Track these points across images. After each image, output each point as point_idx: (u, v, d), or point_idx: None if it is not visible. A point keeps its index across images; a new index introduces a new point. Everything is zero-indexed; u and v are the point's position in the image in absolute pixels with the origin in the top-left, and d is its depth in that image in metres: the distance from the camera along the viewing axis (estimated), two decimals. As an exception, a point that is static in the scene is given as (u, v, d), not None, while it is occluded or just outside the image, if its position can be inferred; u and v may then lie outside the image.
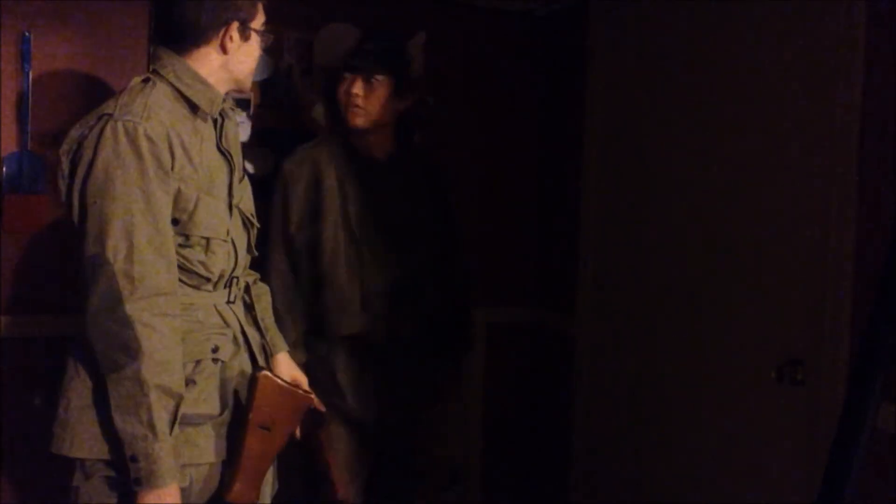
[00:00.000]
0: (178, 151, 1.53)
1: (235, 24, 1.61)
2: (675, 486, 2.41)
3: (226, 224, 1.64)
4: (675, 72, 2.46)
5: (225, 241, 1.63)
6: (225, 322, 1.65)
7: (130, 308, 1.44)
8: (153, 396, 1.43)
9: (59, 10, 2.24)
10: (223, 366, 1.62)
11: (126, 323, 1.43)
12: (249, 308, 1.79)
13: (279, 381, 1.66)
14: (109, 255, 1.44)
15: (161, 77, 1.59)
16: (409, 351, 2.21)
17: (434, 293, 2.27)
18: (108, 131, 1.46)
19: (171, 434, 1.46)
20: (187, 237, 1.56)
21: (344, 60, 2.22)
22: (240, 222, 1.73)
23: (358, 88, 2.15)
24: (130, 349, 1.43)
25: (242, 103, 2.50)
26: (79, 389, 1.52)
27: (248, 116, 2.53)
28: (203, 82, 1.61)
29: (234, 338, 1.67)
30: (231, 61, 1.64)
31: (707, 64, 2.34)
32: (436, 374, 2.28)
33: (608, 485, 2.71)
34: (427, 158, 2.41)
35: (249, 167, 2.55)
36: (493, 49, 2.93)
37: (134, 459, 1.44)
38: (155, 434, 1.43)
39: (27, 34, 2.20)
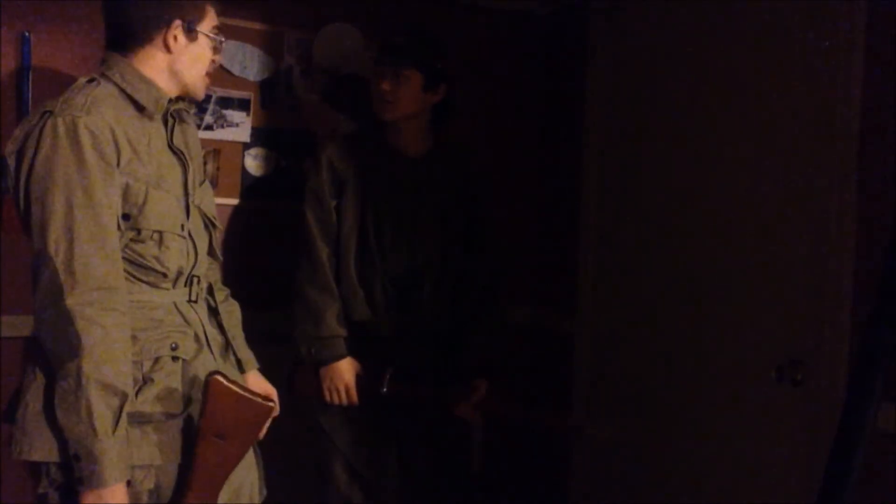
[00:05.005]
0: (125, 146, 1.52)
1: (178, 24, 1.60)
2: (675, 486, 2.41)
3: (179, 219, 1.62)
4: (676, 72, 2.46)
5: (181, 235, 1.62)
6: (186, 320, 1.63)
7: (72, 302, 1.41)
8: (94, 393, 1.40)
9: (59, 10, 2.24)
10: (185, 364, 1.59)
11: (68, 318, 1.41)
12: (213, 311, 1.77)
13: (233, 386, 1.55)
14: (51, 250, 1.43)
15: (107, 78, 1.58)
16: (421, 347, 2.20)
17: (454, 291, 2.26)
18: (48, 127, 1.45)
19: (114, 433, 1.41)
20: (139, 231, 1.54)
21: (376, 55, 2.23)
22: (200, 223, 1.72)
23: (386, 83, 2.15)
24: (72, 344, 1.40)
25: (242, 103, 2.51)
26: (35, 391, 1.49)
27: (248, 116, 2.53)
28: (147, 82, 1.60)
29: (196, 336, 1.64)
30: (177, 62, 1.63)
31: (707, 63, 2.34)
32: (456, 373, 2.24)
33: (608, 485, 2.70)
34: (466, 156, 2.36)
35: (250, 168, 2.55)
36: (493, 49, 2.93)
37: (77, 458, 1.41)
38: (95, 432, 1.39)
39: (27, 34, 2.20)
